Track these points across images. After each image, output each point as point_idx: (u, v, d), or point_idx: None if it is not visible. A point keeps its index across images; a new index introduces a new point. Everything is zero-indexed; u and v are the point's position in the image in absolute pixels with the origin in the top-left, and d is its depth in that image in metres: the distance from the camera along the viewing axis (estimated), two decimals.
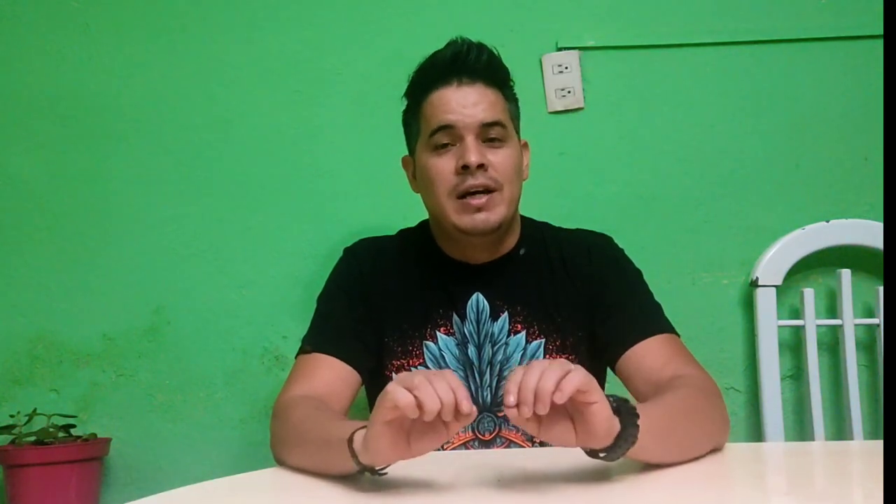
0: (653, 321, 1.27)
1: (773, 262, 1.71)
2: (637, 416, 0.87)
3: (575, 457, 0.92)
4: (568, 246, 1.36)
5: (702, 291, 1.79)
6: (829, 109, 1.82)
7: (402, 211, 1.81)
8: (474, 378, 1.30)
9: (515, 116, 1.33)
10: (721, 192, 1.81)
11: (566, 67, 1.82)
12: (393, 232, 1.44)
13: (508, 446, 1.30)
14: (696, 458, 1.01)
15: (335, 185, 1.84)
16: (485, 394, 1.30)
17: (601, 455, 0.88)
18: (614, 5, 1.84)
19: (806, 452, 1.33)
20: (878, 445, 0.83)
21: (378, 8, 1.86)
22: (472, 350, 1.30)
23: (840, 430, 1.73)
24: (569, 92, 1.82)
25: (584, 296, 1.31)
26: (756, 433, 1.74)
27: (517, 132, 1.33)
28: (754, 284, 1.71)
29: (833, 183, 1.81)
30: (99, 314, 1.83)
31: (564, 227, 1.43)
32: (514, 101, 1.33)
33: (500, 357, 1.30)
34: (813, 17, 1.82)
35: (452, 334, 1.31)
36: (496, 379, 1.30)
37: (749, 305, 1.77)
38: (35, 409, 1.74)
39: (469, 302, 1.31)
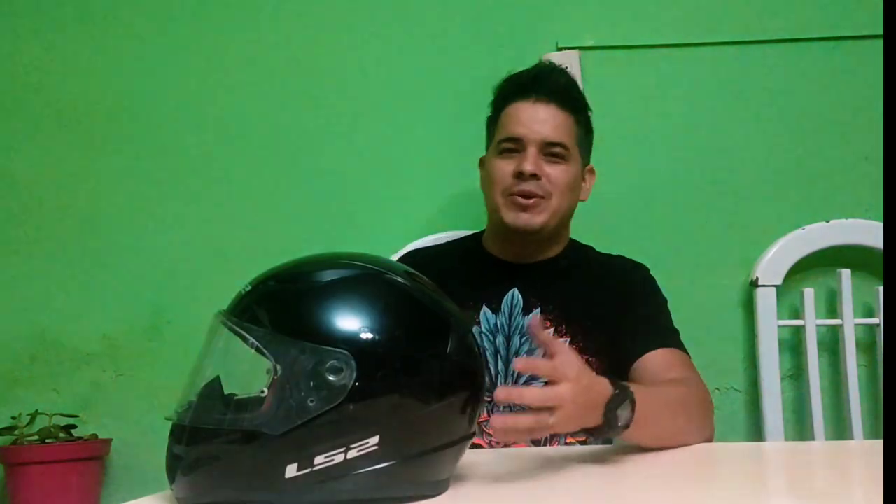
0: (668, 338, 1.34)
1: (773, 262, 1.71)
2: (633, 401, 0.95)
3: (573, 457, 0.92)
4: (608, 266, 1.47)
5: (702, 291, 1.79)
6: (829, 109, 1.81)
7: (403, 210, 1.82)
8: (497, 366, 1.37)
9: (583, 142, 1.43)
10: (721, 192, 1.81)
11: (566, 67, 1.81)
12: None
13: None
14: (681, 447, 1.09)
15: (335, 185, 1.84)
16: (508, 383, 1.36)
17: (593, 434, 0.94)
18: (614, 5, 1.84)
19: (806, 452, 1.33)
20: (878, 445, 0.83)
21: (379, 8, 1.86)
22: (500, 340, 1.38)
23: (840, 430, 1.72)
24: None
25: (615, 311, 1.40)
26: (756, 433, 1.73)
27: (584, 157, 1.44)
28: (754, 284, 1.71)
29: (833, 183, 1.80)
30: (99, 314, 1.83)
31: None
32: (584, 127, 1.43)
33: (526, 348, 1.37)
34: (813, 17, 1.82)
35: (478, 324, 1.38)
36: None
37: (749, 305, 1.77)
38: (37, 410, 1.75)
39: (505, 296, 1.39)
